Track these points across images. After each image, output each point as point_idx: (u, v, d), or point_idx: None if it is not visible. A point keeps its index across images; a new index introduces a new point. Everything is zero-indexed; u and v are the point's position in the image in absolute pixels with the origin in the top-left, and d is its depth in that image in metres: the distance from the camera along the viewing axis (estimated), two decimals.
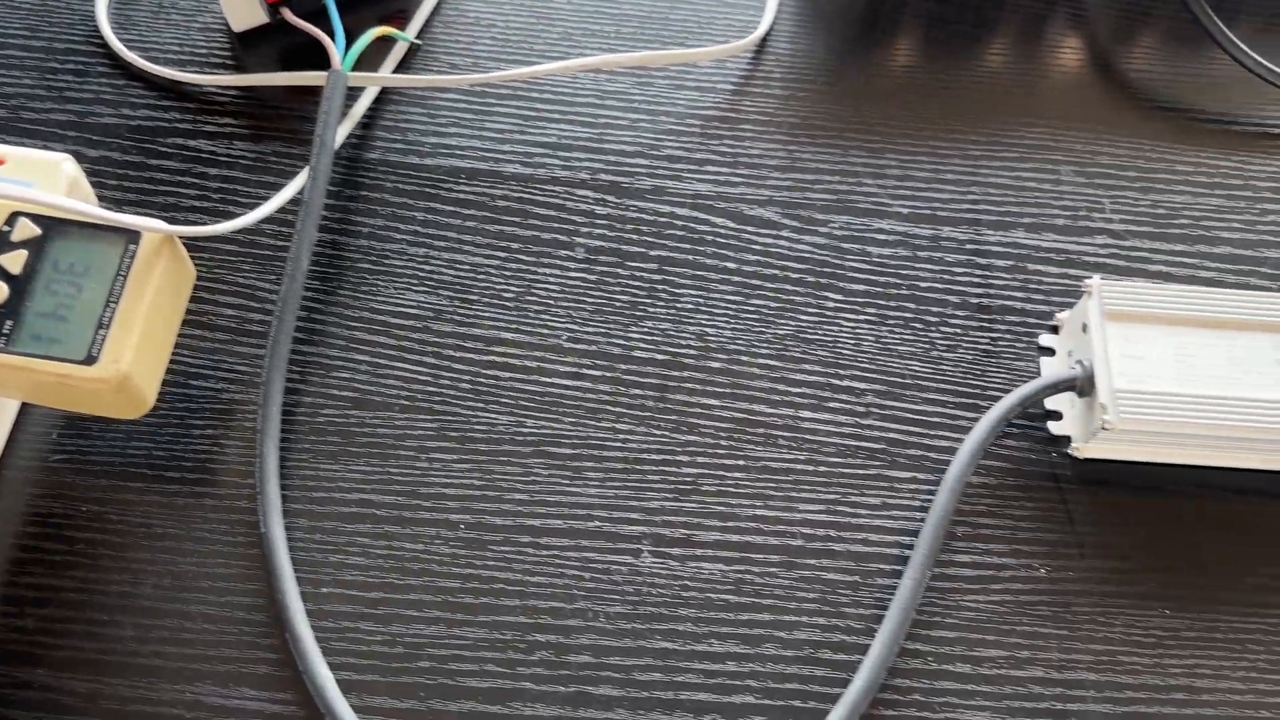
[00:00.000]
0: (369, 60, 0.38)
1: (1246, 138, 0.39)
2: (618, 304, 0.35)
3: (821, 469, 0.32)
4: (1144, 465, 0.32)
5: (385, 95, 0.38)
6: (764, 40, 0.40)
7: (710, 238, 0.36)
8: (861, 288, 0.35)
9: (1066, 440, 0.33)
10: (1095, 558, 0.31)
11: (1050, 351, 0.34)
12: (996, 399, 0.33)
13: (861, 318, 0.35)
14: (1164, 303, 0.32)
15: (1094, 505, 0.32)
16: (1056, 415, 0.33)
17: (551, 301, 0.35)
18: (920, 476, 0.32)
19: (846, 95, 0.39)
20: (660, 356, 0.34)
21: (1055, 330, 0.35)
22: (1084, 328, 0.32)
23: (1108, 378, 0.31)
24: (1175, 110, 0.39)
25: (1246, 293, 0.33)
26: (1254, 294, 0.33)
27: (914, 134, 0.38)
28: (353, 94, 0.37)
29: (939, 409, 0.33)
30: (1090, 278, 0.33)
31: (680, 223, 0.36)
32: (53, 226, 0.28)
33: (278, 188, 0.36)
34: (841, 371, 0.34)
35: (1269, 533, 0.32)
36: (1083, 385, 0.32)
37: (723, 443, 0.33)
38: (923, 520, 0.31)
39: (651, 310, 0.35)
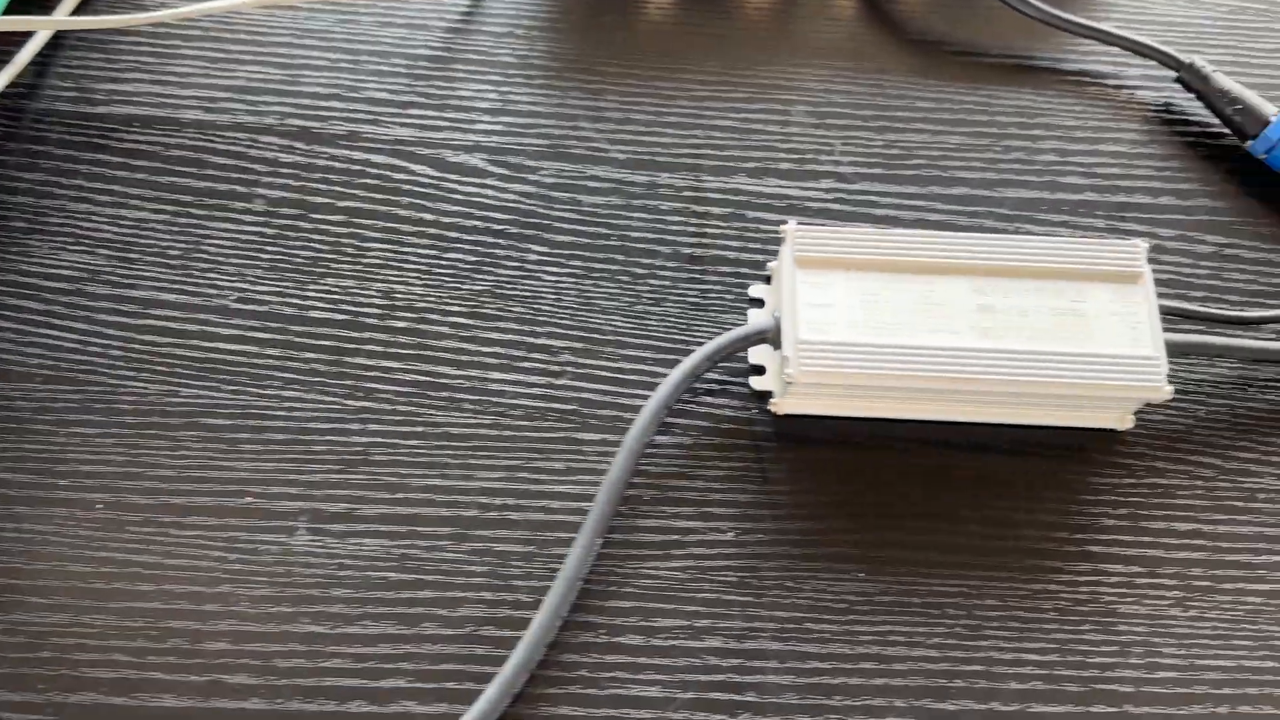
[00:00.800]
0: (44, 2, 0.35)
1: (995, 71, 0.37)
2: (297, 260, 0.32)
3: (506, 433, 0.30)
4: (846, 420, 0.30)
5: (61, 40, 0.35)
6: None
7: (407, 187, 0.33)
8: (568, 239, 0.33)
9: (769, 396, 0.31)
10: (788, 519, 0.30)
11: (761, 303, 0.32)
12: None
13: (565, 271, 0.33)
14: (858, 247, 0.30)
15: (792, 464, 0.30)
16: (762, 370, 0.31)
17: (222, 259, 0.32)
18: (610, 439, 0.30)
19: (569, 33, 0.36)
20: (339, 317, 0.31)
21: (769, 280, 0.33)
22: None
23: (793, 328, 0.29)
24: (922, 43, 0.37)
25: (947, 234, 0.31)
26: (956, 235, 0.31)
27: (638, 75, 0.36)
28: (17, 39, 0.34)
29: (638, 366, 0.31)
30: (788, 222, 0.31)
31: (375, 171, 0.34)
32: None
33: None
34: (538, 329, 0.32)
35: (972, 490, 0.30)
36: (774, 337, 0.30)
37: (400, 409, 0.30)
38: None
39: (334, 267, 0.32)
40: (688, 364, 0.30)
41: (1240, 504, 0.30)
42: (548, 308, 0.32)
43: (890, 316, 0.29)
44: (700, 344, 0.31)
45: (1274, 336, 0.33)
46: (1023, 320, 0.29)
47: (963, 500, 0.30)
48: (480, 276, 0.32)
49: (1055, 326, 0.29)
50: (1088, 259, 0.30)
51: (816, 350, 0.29)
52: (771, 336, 0.30)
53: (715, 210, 0.34)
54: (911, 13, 0.37)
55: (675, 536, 0.29)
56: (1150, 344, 0.29)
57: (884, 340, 0.29)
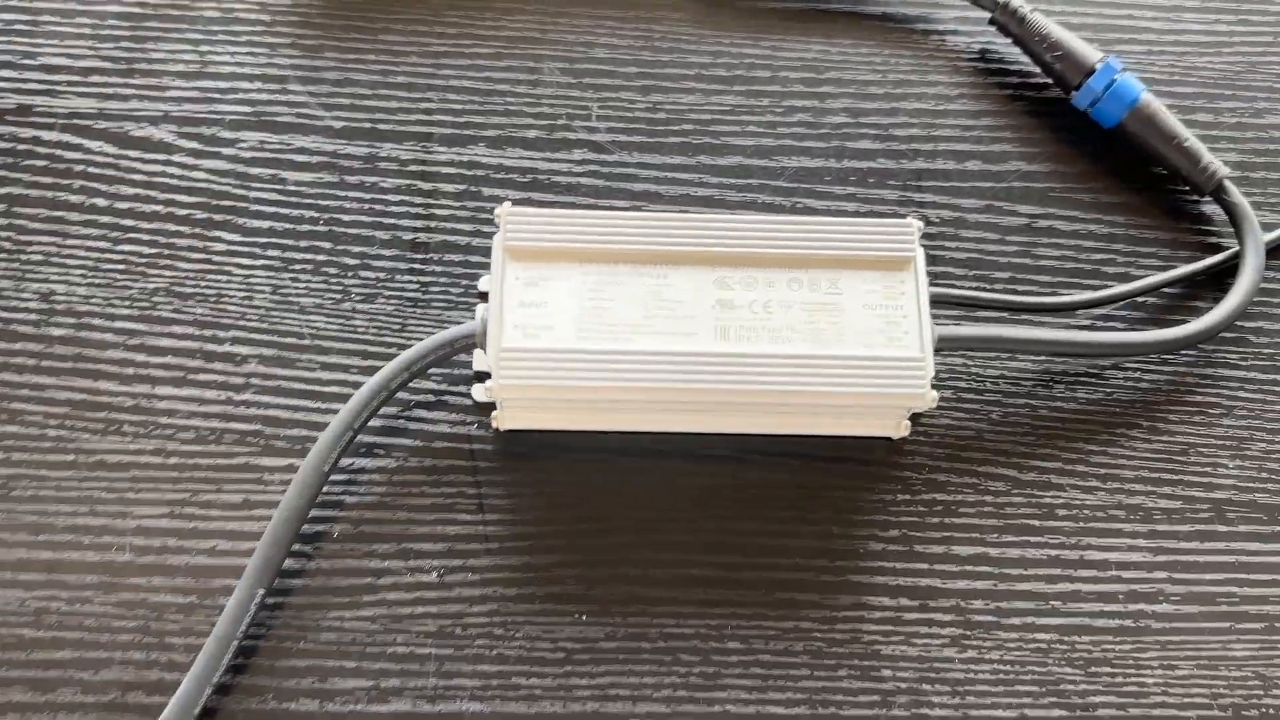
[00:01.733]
0: None
1: (783, 18, 0.32)
2: None
3: (173, 461, 0.26)
4: (577, 435, 0.26)
5: None
6: None
7: (80, 168, 0.28)
8: (266, 224, 0.28)
9: (494, 408, 0.27)
10: (504, 554, 0.25)
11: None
12: None
13: (260, 263, 0.28)
14: (582, 233, 0.25)
15: (512, 488, 0.26)
16: (486, 377, 0.26)
17: None
18: (299, 464, 0.26)
19: None
20: None
21: None
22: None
23: (498, 333, 0.25)
24: None
25: (686, 216, 0.26)
26: (695, 217, 0.26)
27: (362, 27, 0.30)
28: None
29: (339, 376, 0.27)
30: (501, 205, 0.26)
31: (44, 150, 0.28)
32: None
33: None
34: (221, 334, 0.27)
35: (720, 512, 0.26)
36: (483, 341, 0.26)
37: (50, 433, 0.26)
38: None
39: None
40: (380, 377, 0.25)
41: (1035, 523, 0.26)
42: (235, 308, 0.27)
43: (616, 316, 0.25)
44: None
45: (1087, 323, 0.29)
46: (768, 317, 0.25)
47: (708, 524, 0.26)
48: (156, 272, 0.27)
49: (805, 324, 0.25)
50: (848, 243, 0.25)
51: (521, 359, 0.24)
52: (480, 340, 0.26)
53: (446, 187, 0.29)
54: None
55: (367, 580, 0.25)
56: (914, 342, 0.25)
57: (604, 345, 0.25)
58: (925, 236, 0.28)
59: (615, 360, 0.24)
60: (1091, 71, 0.30)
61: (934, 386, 0.25)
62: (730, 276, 0.25)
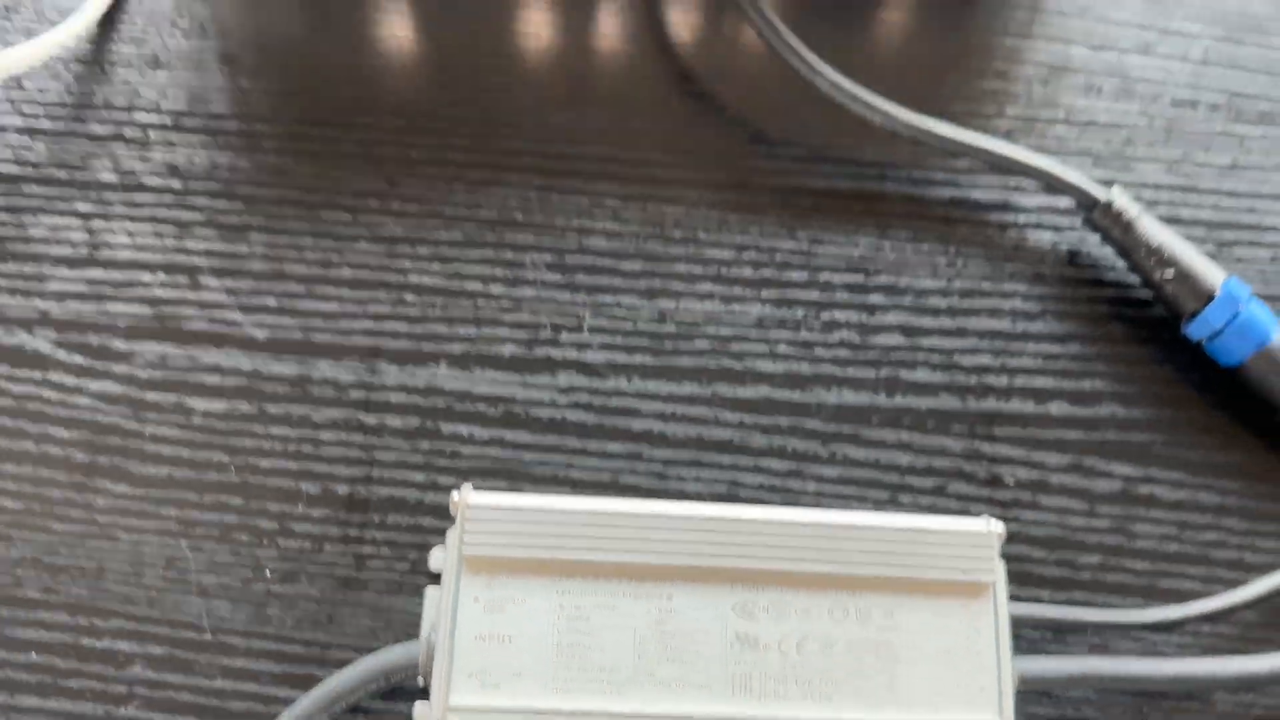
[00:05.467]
0: None
1: (822, 203, 0.25)
2: None
3: None
4: None
5: None
6: (102, 35, 0.25)
7: None
8: (164, 471, 0.22)
9: None
10: None
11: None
12: (337, 667, 0.20)
13: (152, 525, 0.21)
14: (564, 535, 0.19)
15: None
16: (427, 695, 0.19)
17: None
18: None
19: (201, 135, 0.24)
20: None
21: None
22: None
23: (444, 680, 0.19)
24: (727, 157, 0.25)
25: (703, 512, 0.20)
26: (718, 515, 0.20)
27: (299, 200, 0.24)
28: None
29: (247, 687, 0.21)
30: (461, 488, 0.21)
31: None
32: None
33: None
34: (100, 623, 0.21)
35: None
36: (427, 674, 0.20)
37: None
38: None
39: None
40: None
41: None
42: (118, 587, 0.21)
43: (603, 658, 0.19)
44: (335, 657, 0.20)
45: (1195, 650, 0.23)
46: (801, 662, 0.20)
47: None
48: (21, 536, 0.21)
49: (851, 673, 0.19)
50: (909, 556, 0.19)
51: None
52: (424, 672, 0.20)
53: (394, 422, 0.23)
54: (730, 113, 0.26)
55: None
56: (990, 699, 0.19)
57: (587, 705, 0.19)
58: (997, 505, 0.23)
59: None
60: (1211, 298, 0.24)
61: None
62: (755, 601, 0.19)
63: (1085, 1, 0.27)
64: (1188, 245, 0.24)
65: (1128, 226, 0.24)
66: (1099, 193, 0.24)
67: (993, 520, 0.20)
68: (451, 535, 0.20)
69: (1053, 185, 0.24)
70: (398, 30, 0.26)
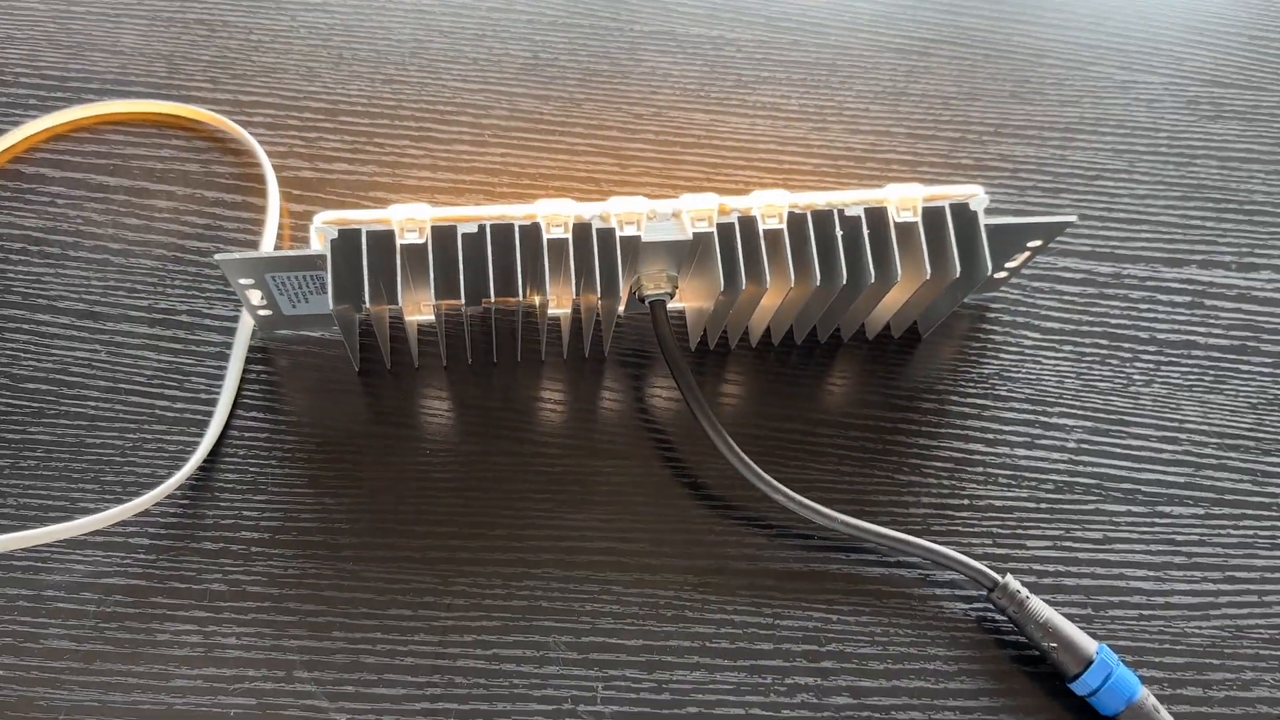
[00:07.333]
0: None
1: (781, 582, 0.31)
2: None
3: None
4: None
5: None
6: (208, 465, 0.32)
7: None
8: None
9: None
10: None
11: None
12: None
13: None
14: None
15: None
16: None
17: None
18: None
19: (291, 548, 0.31)
20: None
21: None
22: None
23: None
24: (700, 544, 0.32)
25: None
26: None
27: (370, 600, 0.30)
28: None
29: None
30: None
31: None
32: None
33: None
34: None
35: None
36: None
37: None
38: None
39: None
40: None
41: None
42: None
43: None
44: None
45: None
46: None
47: None
48: None
49: None
50: None
51: None
52: None
53: None
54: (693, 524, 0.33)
55: None
56: None
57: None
58: None
59: None
60: (1089, 663, 0.30)
61: None
62: None
63: (981, 401, 0.35)
64: (1066, 621, 0.31)
65: (1020, 605, 0.31)
66: (995, 578, 0.31)
67: None
68: None
69: (959, 570, 0.31)
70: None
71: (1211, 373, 0.37)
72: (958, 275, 0.32)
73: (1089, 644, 0.31)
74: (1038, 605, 0.31)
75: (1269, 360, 0.37)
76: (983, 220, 0.32)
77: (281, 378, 0.34)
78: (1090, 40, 0.45)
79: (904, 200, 0.32)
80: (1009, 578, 0.31)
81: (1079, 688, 0.30)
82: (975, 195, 0.32)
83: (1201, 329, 0.38)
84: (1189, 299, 0.38)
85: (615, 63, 0.42)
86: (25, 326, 0.34)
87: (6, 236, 0.36)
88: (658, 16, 0.44)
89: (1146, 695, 0.30)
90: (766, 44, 0.44)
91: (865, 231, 0.31)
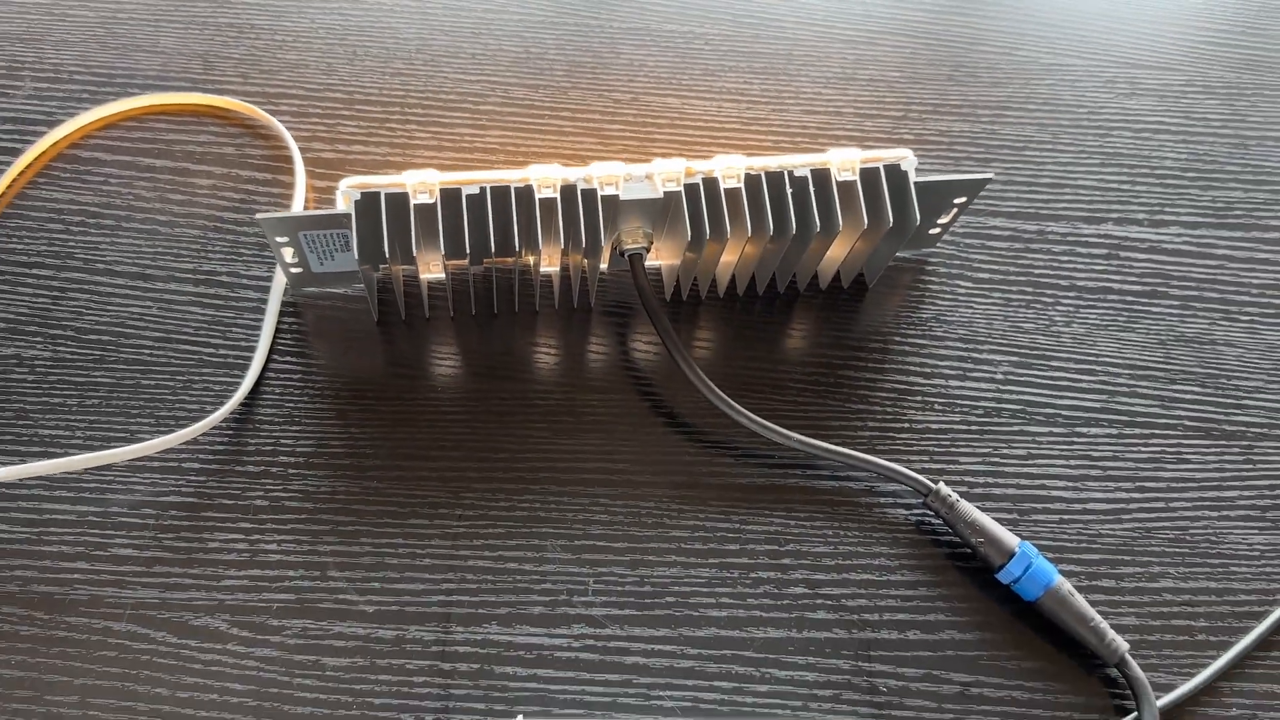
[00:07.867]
0: None
1: (747, 494, 0.36)
2: None
3: None
4: None
5: None
6: (249, 401, 0.37)
7: (146, 658, 0.33)
8: (306, 711, 0.33)
9: None
10: None
11: None
12: None
13: None
14: None
15: None
16: None
17: None
18: None
19: (323, 470, 0.36)
20: None
21: None
22: None
23: None
24: (677, 463, 0.37)
25: None
26: None
27: (394, 512, 0.35)
28: None
29: None
30: (514, 714, 0.31)
31: (114, 640, 0.33)
32: None
33: None
34: None
35: None
36: None
37: None
38: None
39: None
40: None
41: None
42: None
43: None
44: None
45: None
46: None
47: None
48: None
49: None
50: None
51: None
52: None
53: (462, 667, 0.34)
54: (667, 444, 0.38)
55: None
56: None
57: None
58: (875, 707, 0.33)
59: None
60: (1012, 555, 0.35)
61: None
62: None
63: (920, 341, 0.40)
64: (991, 520, 0.35)
65: (951, 508, 0.36)
66: (930, 485, 0.36)
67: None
68: None
69: (900, 480, 0.36)
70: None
71: (1125, 314, 0.42)
72: (891, 225, 0.37)
73: (1011, 539, 0.35)
74: (966, 507, 0.36)
75: (1176, 303, 0.42)
76: (912, 178, 0.37)
77: (310, 328, 0.39)
78: (1020, 29, 0.50)
79: (844, 162, 0.37)
80: (941, 484, 0.36)
81: (1003, 577, 0.35)
82: (906, 157, 0.37)
83: (1117, 277, 0.43)
84: (1106, 251, 0.43)
85: (597, 55, 0.48)
86: (86, 287, 0.40)
87: (67, 211, 0.41)
88: (634, 14, 0.49)
89: (1062, 582, 0.35)
90: (731, 37, 0.49)
91: (811, 189, 0.37)
